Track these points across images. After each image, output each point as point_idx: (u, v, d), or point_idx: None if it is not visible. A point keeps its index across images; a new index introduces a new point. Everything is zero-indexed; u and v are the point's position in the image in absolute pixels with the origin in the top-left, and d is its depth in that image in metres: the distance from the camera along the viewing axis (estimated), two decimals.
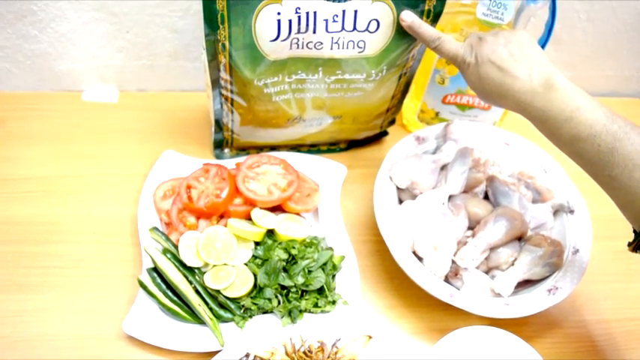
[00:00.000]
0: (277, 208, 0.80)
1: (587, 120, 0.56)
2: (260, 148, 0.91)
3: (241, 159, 0.84)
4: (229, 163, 0.84)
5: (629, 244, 0.62)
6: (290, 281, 0.73)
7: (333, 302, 0.74)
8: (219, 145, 0.90)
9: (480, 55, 0.62)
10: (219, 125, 0.85)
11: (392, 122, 0.94)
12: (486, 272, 0.76)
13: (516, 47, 0.60)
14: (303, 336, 0.69)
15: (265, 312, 0.74)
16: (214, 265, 0.74)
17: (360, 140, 0.95)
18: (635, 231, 0.60)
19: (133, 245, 0.79)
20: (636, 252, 0.61)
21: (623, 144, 0.54)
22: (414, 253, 0.76)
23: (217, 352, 0.68)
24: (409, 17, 0.68)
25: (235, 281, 0.73)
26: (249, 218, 0.77)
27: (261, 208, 0.79)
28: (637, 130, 0.55)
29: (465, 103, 0.91)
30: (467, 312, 0.70)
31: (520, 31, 0.63)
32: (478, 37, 0.63)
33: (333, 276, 0.77)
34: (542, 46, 0.80)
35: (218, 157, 0.90)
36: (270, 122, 0.83)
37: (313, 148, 0.94)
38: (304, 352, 0.69)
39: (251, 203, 0.78)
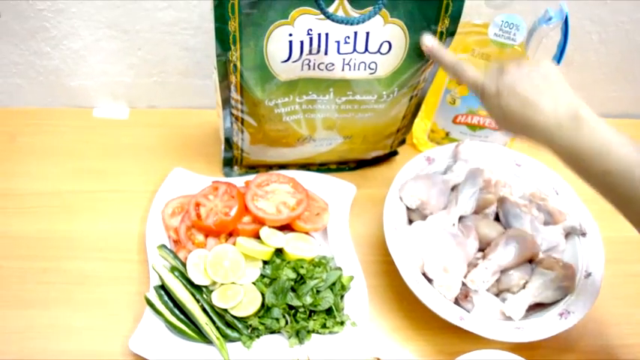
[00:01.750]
0: (286, 227, 0.80)
1: (618, 154, 0.54)
2: (269, 167, 0.91)
3: (250, 177, 0.83)
4: (238, 181, 0.84)
5: None
6: (298, 301, 0.73)
7: (342, 323, 0.73)
8: (228, 163, 0.90)
9: (502, 85, 0.59)
10: (229, 144, 0.85)
11: (402, 142, 0.94)
12: (497, 295, 0.75)
13: (541, 79, 0.58)
14: (311, 357, 0.69)
15: (273, 332, 0.73)
16: (222, 284, 0.73)
17: (370, 160, 0.95)
18: None
19: (140, 262, 0.79)
20: None
21: None
22: (424, 274, 0.75)
23: None
24: (430, 41, 0.67)
25: (243, 300, 0.72)
26: (257, 237, 0.77)
27: (269, 226, 0.78)
28: None
29: (476, 124, 0.91)
30: (477, 335, 0.69)
31: (545, 61, 0.60)
32: (500, 66, 0.60)
33: (342, 296, 0.76)
34: None
35: (227, 175, 0.90)
36: (280, 141, 0.83)
37: (323, 167, 0.94)
38: None
39: (260, 222, 0.77)
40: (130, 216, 0.84)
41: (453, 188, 0.82)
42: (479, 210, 0.81)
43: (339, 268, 0.77)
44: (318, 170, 0.92)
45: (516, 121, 0.59)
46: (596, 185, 0.57)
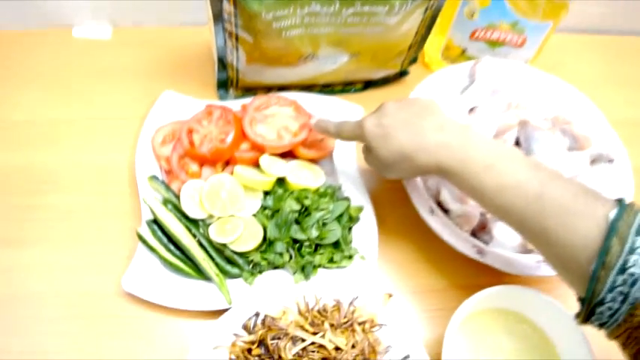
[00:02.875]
0: (288, 154, 0.73)
1: (509, 167, 0.52)
2: (268, 89, 0.83)
3: (248, 100, 0.76)
4: (235, 104, 0.78)
5: (577, 316, 0.50)
6: (303, 234, 0.67)
7: (350, 257, 0.69)
8: (223, 85, 0.81)
9: (384, 124, 0.59)
10: (222, 63, 0.76)
11: (413, 61, 0.86)
12: None
13: (416, 109, 0.59)
14: (318, 294, 0.64)
15: (276, 267, 0.68)
16: (220, 217, 0.67)
17: (378, 80, 0.87)
18: (580, 298, 0.49)
19: (131, 195, 0.73)
20: (587, 323, 0.49)
21: (550, 189, 0.49)
22: (439, 203, 0.69)
23: (224, 310, 0.63)
24: (312, 120, 0.70)
25: (243, 234, 0.67)
26: (257, 165, 0.71)
27: (270, 154, 0.72)
28: (563, 177, 0.51)
29: (496, 39, 0.82)
30: (496, 269, 0.65)
31: (384, 105, 0.61)
32: (371, 115, 0.62)
33: (350, 228, 0.70)
34: None
35: (222, 98, 0.82)
36: (279, 60, 0.75)
37: (326, 88, 0.86)
38: (318, 312, 0.64)
39: (259, 149, 0.71)
40: (117, 145, 0.77)
41: (470, 112, 0.75)
42: (498, 135, 0.74)
43: (347, 199, 0.71)
44: (322, 92, 0.84)
45: (405, 148, 0.58)
46: (494, 204, 0.54)
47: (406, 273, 0.71)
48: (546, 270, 0.65)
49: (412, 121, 0.58)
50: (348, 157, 0.76)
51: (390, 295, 0.65)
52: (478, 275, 0.69)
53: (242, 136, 0.71)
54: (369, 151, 0.63)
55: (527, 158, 0.53)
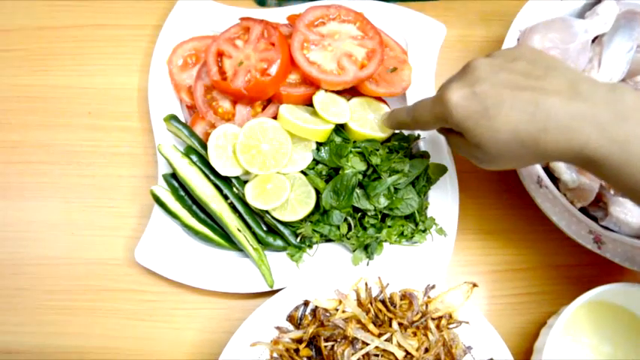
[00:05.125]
0: (349, 90, 0.56)
1: None
2: None
3: (297, 9, 0.59)
4: (280, 15, 0.60)
5: None
6: (368, 203, 0.52)
7: (424, 231, 0.55)
8: None
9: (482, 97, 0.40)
10: None
11: None
12: None
13: (523, 65, 0.41)
14: (383, 279, 0.52)
15: (329, 240, 0.55)
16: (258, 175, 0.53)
17: None
18: None
19: (143, 132, 0.60)
20: None
21: None
22: (547, 169, 0.54)
23: (264, 294, 0.52)
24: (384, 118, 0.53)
25: (290, 199, 0.53)
26: (309, 105, 0.56)
27: (327, 90, 0.55)
28: None
29: None
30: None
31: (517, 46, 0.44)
32: (456, 82, 0.42)
33: (425, 194, 0.55)
34: None
35: (261, 3, 0.63)
36: None
37: None
38: (382, 302, 0.52)
39: (313, 83, 0.55)
40: (124, 65, 0.63)
41: (596, 40, 0.57)
42: (630, 75, 0.57)
43: (425, 154, 0.55)
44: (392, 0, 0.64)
45: (522, 131, 0.40)
46: None
47: (484, 247, 0.59)
48: None
49: (524, 84, 0.40)
50: (426, 95, 0.58)
51: (475, 285, 0.52)
52: (573, 253, 0.58)
53: (290, 64, 0.54)
54: (458, 136, 0.44)
55: None
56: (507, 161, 0.41)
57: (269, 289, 0.52)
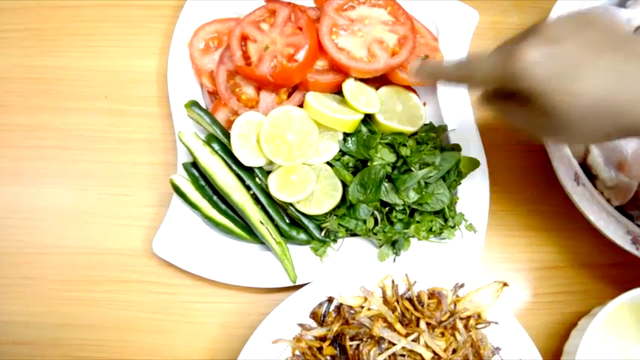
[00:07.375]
0: (377, 79, 0.53)
1: None
2: None
3: None
4: None
5: None
6: (397, 198, 0.49)
7: (454, 227, 0.52)
8: None
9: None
10: None
11: None
12: None
13: (604, 31, 0.36)
14: (410, 276, 0.50)
15: (354, 235, 0.53)
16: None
17: None
18: None
19: (162, 118, 0.58)
20: None
21: None
22: (584, 165, 0.51)
23: (286, 289, 0.51)
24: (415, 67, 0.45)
25: (315, 191, 0.51)
26: (338, 93, 0.54)
27: (356, 79, 0.52)
28: None
29: None
30: None
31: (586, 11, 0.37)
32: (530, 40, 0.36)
33: (455, 188, 0.53)
34: None
35: None
36: None
37: None
38: (409, 300, 0.50)
39: (342, 70, 0.52)
40: (143, 47, 0.60)
41: (638, 29, 0.54)
42: None
43: (457, 147, 0.52)
44: None
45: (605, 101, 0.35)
46: None
47: (514, 244, 0.57)
48: None
49: (612, 46, 0.35)
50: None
51: (505, 285, 0.50)
52: (607, 252, 0.56)
53: (318, 49, 0.51)
54: (515, 104, 0.39)
55: None
56: (582, 133, 0.37)
57: (291, 284, 0.50)
